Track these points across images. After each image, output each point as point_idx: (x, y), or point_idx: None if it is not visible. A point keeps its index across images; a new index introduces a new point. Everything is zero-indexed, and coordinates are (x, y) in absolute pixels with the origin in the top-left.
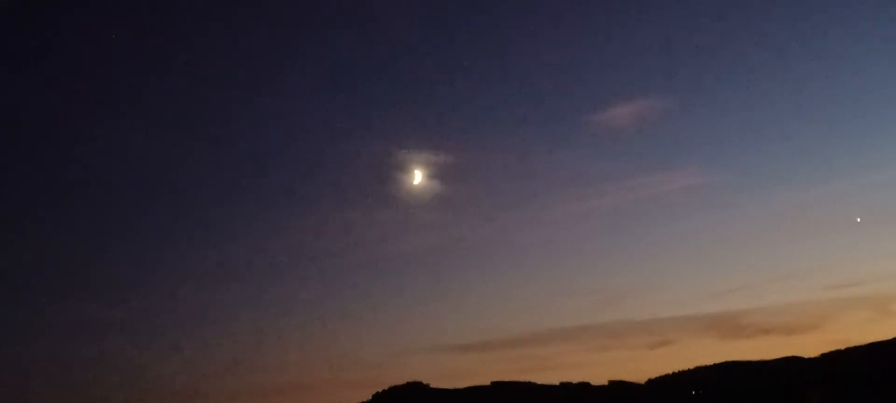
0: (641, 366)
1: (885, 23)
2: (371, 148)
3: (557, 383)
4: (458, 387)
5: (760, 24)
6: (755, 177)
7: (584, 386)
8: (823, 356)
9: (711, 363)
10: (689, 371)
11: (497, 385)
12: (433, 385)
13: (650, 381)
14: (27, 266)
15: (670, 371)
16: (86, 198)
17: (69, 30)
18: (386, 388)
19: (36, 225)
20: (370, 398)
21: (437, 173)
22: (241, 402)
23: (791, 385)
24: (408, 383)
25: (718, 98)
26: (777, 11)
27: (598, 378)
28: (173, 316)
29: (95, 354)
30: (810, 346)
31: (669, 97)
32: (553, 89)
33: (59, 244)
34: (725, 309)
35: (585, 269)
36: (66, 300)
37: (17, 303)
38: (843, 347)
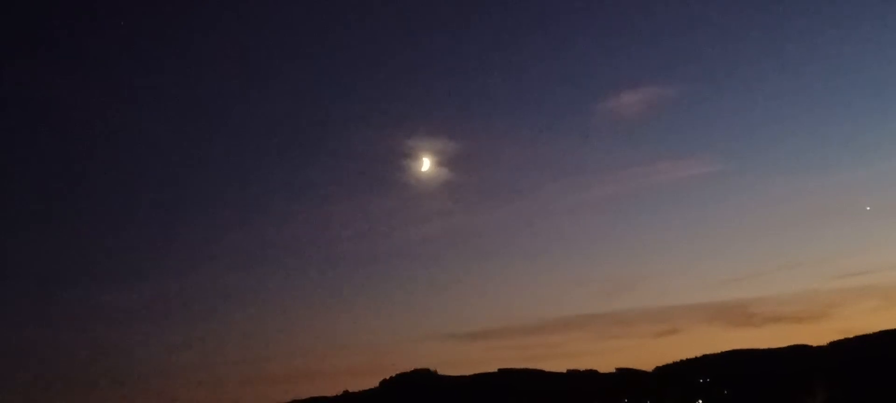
0: (649, 354)
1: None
2: (380, 135)
3: (565, 371)
4: (466, 374)
5: (769, 12)
6: (763, 165)
7: (592, 374)
8: (832, 344)
9: (719, 351)
10: (696, 358)
11: (504, 373)
12: (441, 372)
13: (658, 369)
14: (41, 253)
15: (678, 359)
16: (98, 186)
17: (81, 21)
18: (394, 375)
19: (49, 213)
20: (378, 384)
21: (445, 161)
22: (250, 388)
23: (799, 373)
24: (415, 370)
25: (727, 86)
26: (786, 3)
27: (606, 365)
28: (183, 303)
29: (107, 339)
30: (819, 334)
31: (677, 85)
32: (561, 77)
33: (72, 232)
34: (733, 298)
35: (593, 257)
36: (78, 286)
37: (31, 290)
38: (851, 335)
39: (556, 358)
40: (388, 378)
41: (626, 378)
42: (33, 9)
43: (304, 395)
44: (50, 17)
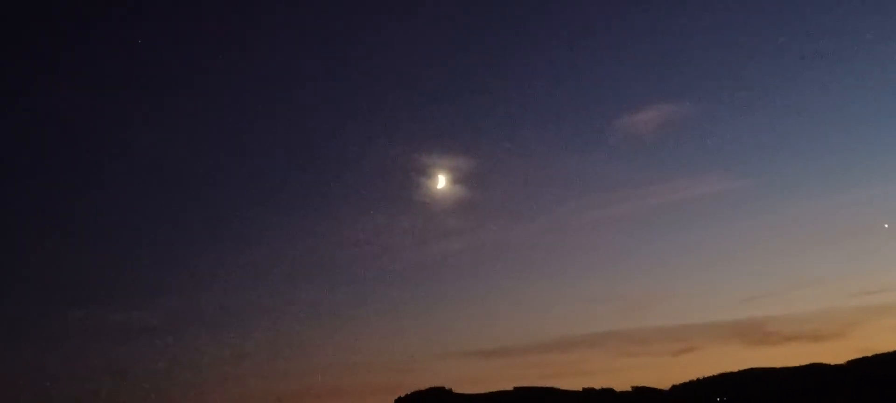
0: (665, 373)
1: None
2: (394, 153)
3: (581, 389)
4: (481, 393)
5: (785, 30)
6: (780, 182)
7: (608, 392)
8: (850, 363)
9: (736, 369)
10: (713, 377)
11: (520, 391)
12: (456, 390)
13: (674, 387)
14: (51, 270)
15: (695, 378)
16: (109, 202)
17: (94, 34)
18: (408, 393)
19: (60, 230)
20: (393, 402)
21: (460, 178)
22: None
23: (817, 392)
24: (430, 388)
25: (744, 104)
26: (801, 17)
27: (622, 384)
28: (196, 320)
29: (116, 359)
30: (836, 353)
31: (693, 102)
32: (577, 94)
33: (84, 248)
34: (750, 316)
35: (610, 275)
36: (89, 305)
37: (40, 309)
38: (869, 355)
39: (572, 376)
40: (403, 395)
41: (643, 396)
42: (49, 25)
43: None
44: (64, 35)
